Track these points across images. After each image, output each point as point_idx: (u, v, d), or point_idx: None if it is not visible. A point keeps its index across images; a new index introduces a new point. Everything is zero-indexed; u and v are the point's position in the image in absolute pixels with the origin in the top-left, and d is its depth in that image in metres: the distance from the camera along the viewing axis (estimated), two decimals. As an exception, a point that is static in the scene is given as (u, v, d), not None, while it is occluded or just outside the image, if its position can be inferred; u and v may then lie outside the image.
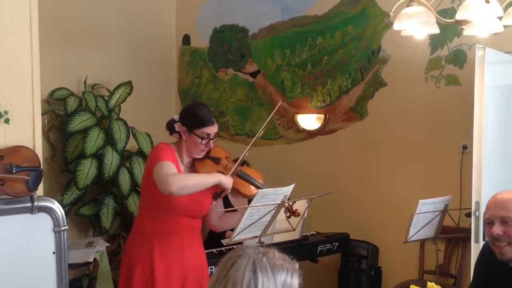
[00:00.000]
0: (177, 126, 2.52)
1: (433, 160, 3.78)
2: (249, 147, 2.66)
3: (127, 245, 2.65)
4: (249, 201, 2.58)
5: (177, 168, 2.50)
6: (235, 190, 2.59)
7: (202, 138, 2.49)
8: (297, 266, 1.36)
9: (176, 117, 2.55)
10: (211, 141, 2.52)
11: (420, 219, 3.13)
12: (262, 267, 1.30)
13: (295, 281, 1.33)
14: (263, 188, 2.56)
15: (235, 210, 2.74)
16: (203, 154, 2.55)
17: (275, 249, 1.37)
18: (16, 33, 2.52)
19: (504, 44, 3.29)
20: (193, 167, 2.58)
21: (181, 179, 2.37)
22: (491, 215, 2.03)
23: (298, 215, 2.64)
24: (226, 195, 3.72)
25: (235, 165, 2.57)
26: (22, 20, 2.53)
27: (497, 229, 1.98)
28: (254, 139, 2.67)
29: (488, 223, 2.04)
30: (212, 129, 2.51)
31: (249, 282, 1.28)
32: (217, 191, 2.54)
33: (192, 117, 2.52)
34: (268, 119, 2.73)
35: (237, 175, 2.59)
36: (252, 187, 2.59)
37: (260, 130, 2.71)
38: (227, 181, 2.48)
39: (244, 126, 4.66)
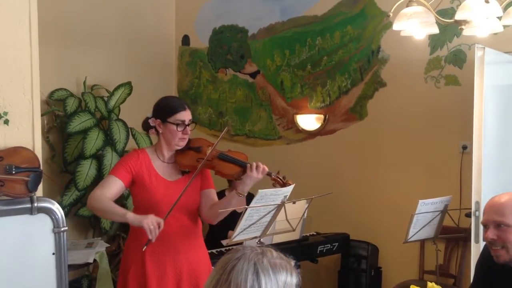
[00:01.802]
0: (151, 121, 2.53)
1: (433, 160, 3.78)
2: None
3: (124, 248, 2.67)
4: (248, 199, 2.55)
5: (152, 170, 2.50)
6: (218, 173, 2.55)
7: (177, 125, 2.47)
8: (293, 263, 1.36)
9: (149, 114, 2.57)
10: (188, 128, 2.50)
11: (420, 219, 3.13)
12: (263, 269, 1.29)
13: (294, 279, 1.33)
14: (244, 165, 2.50)
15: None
16: (183, 143, 2.52)
17: (271, 248, 1.37)
18: (16, 34, 2.52)
19: (504, 44, 3.29)
20: (175, 161, 2.56)
21: (95, 200, 2.40)
22: (486, 219, 2.06)
23: (289, 184, 2.57)
24: (224, 191, 3.70)
25: (211, 148, 2.53)
26: (21, 21, 2.53)
27: (491, 234, 2.01)
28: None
29: (484, 226, 2.06)
30: (186, 115, 2.50)
31: (253, 284, 1.27)
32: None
33: (163, 107, 2.53)
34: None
35: (218, 157, 2.55)
36: (234, 165, 2.54)
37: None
38: (139, 219, 2.31)
39: (243, 127, 4.66)
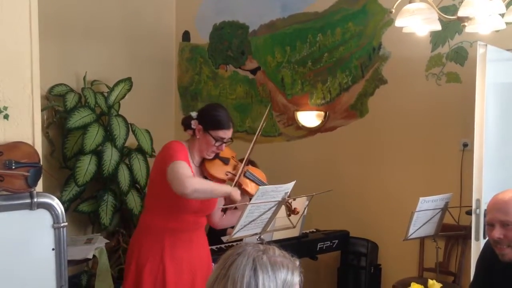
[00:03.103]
0: (194, 124, 2.53)
1: (433, 158, 3.78)
2: (251, 146, 2.66)
3: (135, 243, 2.64)
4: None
5: (190, 168, 2.52)
6: (243, 191, 2.61)
7: (216, 140, 2.50)
8: (297, 263, 1.35)
9: (194, 114, 2.56)
10: (223, 145, 2.54)
11: (420, 216, 3.12)
12: (262, 266, 1.28)
13: (296, 278, 1.31)
14: None
15: (235, 208, 2.74)
16: (213, 155, 2.57)
17: (275, 246, 1.36)
18: (16, 28, 2.50)
19: (506, 41, 3.28)
20: (202, 166, 2.59)
21: (197, 183, 2.41)
22: (491, 218, 2.03)
23: (297, 213, 2.65)
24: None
25: (242, 165, 2.59)
26: (21, 15, 2.51)
27: (497, 233, 1.99)
28: (255, 137, 2.68)
29: (489, 225, 2.04)
30: (228, 133, 2.54)
31: (250, 281, 1.26)
32: (225, 203, 2.57)
33: (210, 117, 2.53)
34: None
35: (245, 175, 2.62)
36: (259, 187, 2.60)
37: (259, 128, 2.70)
38: (236, 193, 2.51)
39: (244, 123, 4.64)
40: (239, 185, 2.62)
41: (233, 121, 2.61)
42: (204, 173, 2.59)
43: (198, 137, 2.53)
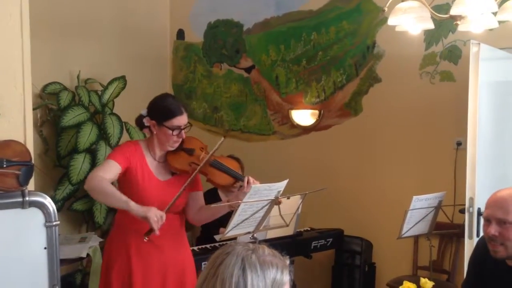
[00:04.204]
0: (146, 121, 2.49)
1: (427, 156, 3.78)
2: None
3: (107, 242, 2.63)
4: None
5: (146, 166, 2.47)
6: (210, 181, 2.55)
7: (173, 130, 2.44)
8: (287, 262, 1.35)
9: (144, 111, 2.51)
10: (183, 132, 2.48)
11: (414, 215, 3.13)
12: (251, 265, 1.27)
13: (285, 277, 1.31)
14: (238, 177, 2.52)
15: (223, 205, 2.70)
16: (176, 145, 2.50)
17: (265, 246, 1.35)
18: (7, 26, 2.49)
19: (499, 40, 3.28)
20: (166, 160, 2.54)
21: (96, 180, 2.33)
22: (489, 214, 2.03)
23: (279, 203, 2.59)
24: (217, 191, 3.67)
25: (208, 155, 2.50)
26: (12, 13, 2.49)
27: (493, 230, 2.00)
28: (209, 155, 2.51)
29: (486, 220, 2.05)
30: (182, 120, 2.46)
31: (238, 280, 1.25)
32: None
33: (160, 110, 2.47)
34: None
35: (211, 165, 2.53)
36: (227, 176, 2.54)
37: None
38: (143, 210, 2.28)
39: (238, 122, 4.64)
40: (204, 174, 2.53)
41: (185, 105, 2.53)
42: (169, 168, 2.52)
43: (155, 132, 2.47)
